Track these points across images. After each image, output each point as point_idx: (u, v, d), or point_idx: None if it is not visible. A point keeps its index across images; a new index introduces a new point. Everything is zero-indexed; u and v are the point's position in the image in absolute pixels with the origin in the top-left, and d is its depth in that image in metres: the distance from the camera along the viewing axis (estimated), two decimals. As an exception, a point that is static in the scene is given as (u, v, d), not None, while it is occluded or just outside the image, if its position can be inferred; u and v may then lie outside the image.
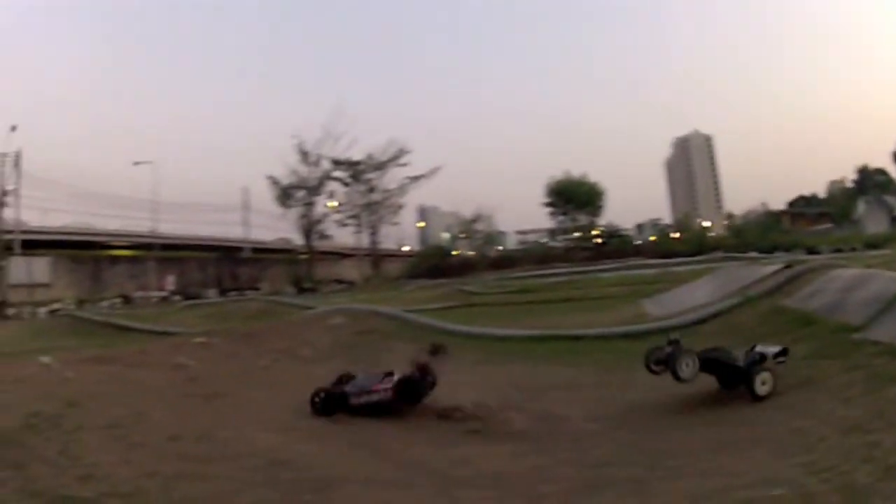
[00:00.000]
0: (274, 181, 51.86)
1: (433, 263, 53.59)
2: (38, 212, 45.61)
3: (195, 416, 8.49)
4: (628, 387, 9.28)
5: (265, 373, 11.56)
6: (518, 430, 7.91)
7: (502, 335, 13.50)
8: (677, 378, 8.15)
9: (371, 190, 55.17)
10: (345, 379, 9.59)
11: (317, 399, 9.15)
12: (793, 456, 5.37)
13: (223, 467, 6.43)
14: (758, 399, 7.79)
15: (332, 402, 9.03)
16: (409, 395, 8.96)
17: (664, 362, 8.42)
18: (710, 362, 8.43)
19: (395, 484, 6.21)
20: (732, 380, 8.36)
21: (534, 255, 58.56)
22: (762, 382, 7.99)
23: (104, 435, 7.02)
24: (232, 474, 6.21)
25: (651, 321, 14.68)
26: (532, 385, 9.93)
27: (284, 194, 51.79)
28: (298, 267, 52.29)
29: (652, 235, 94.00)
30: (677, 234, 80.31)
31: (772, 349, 8.60)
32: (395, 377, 9.10)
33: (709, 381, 8.44)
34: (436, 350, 10.28)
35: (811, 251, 41.94)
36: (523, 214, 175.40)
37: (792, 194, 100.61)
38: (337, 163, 53.04)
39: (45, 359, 10.49)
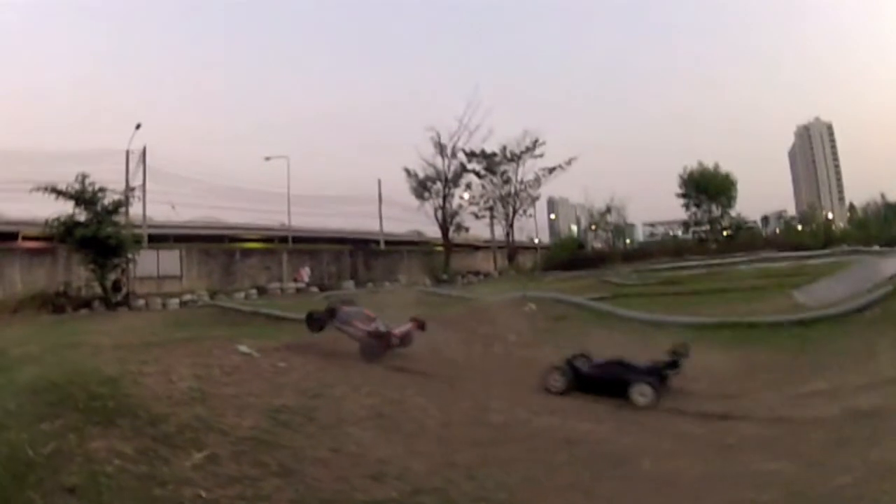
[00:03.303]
0: (411, 173, 52.87)
1: (568, 255, 53.74)
2: (165, 206, 47.79)
3: (451, 400, 8.64)
4: (825, 369, 10.23)
5: (489, 358, 12.06)
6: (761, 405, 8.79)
7: (683, 322, 14.37)
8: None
9: (506, 182, 55.31)
10: (339, 304, 12.16)
11: (314, 316, 11.89)
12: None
13: (518, 450, 6.39)
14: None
15: (322, 321, 11.58)
16: (371, 346, 10.98)
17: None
18: (588, 377, 9.76)
19: (679, 454, 6.49)
20: (616, 392, 9.26)
21: (667, 248, 58.55)
22: (640, 394, 9.03)
23: (372, 426, 6.84)
24: (531, 456, 6.18)
25: (810, 310, 15.18)
26: (738, 368, 10.87)
27: (421, 186, 52.53)
28: (433, 258, 53.15)
29: (777, 227, 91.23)
30: (800, 227, 77.98)
31: (669, 360, 9.82)
32: (373, 326, 11.29)
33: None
34: (420, 324, 12.17)
35: (927, 244, 40.80)
36: (649, 206, 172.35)
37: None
38: (472, 155, 53.28)
39: (244, 348, 10.21)
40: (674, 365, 9.80)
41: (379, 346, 11.13)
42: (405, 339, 11.78)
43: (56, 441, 4.83)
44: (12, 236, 40.51)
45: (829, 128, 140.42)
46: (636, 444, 6.77)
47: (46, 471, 4.41)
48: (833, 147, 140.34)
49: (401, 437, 6.60)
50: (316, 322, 11.96)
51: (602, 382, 9.59)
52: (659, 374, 9.54)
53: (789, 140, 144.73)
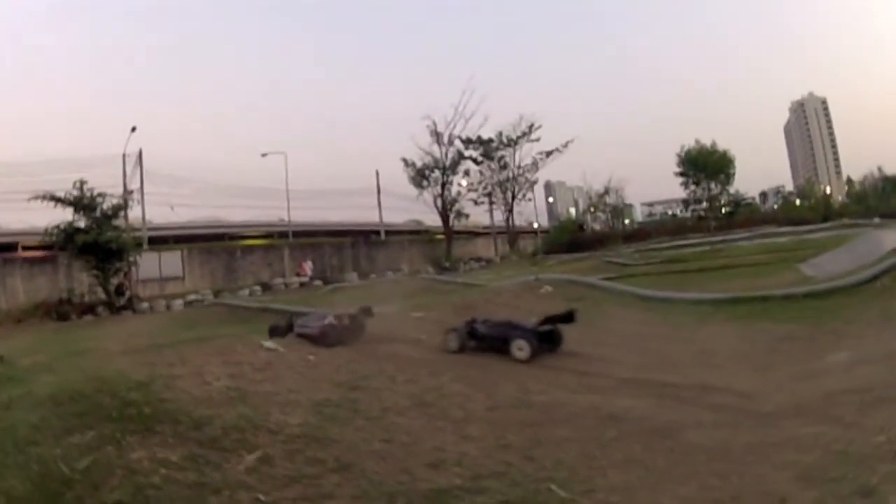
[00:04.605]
0: (408, 163, 52.58)
1: (568, 238, 53.99)
2: (164, 208, 47.31)
3: (490, 384, 8.54)
4: (844, 338, 10.22)
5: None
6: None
7: (697, 299, 14.50)
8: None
9: (503, 167, 55.29)
10: (296, 315, 12.86)
11: (278, 326, 12.22)
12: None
13: (569, 429, 6.38)
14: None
15: (284, 329, 11.84)
16: (327, 334, 11.24)
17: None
18: (479, 336, 10.99)
19: (721, 424, 6.49)
20: (501, 348, 10.48)
21: (667, 227, 58.93)
22: (518, 349, 10.27)
23: (419, 415, 6.78)
24: (581, 434, 6.19)
25: (819, 283, 15.40)
26: (759, 340, 10.88)
27: (420, 175, 52.24)
28: (434, 247, 52.97)
29: (776, 203, 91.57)
30: (798, 202, 78.36)
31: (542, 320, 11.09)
32: (326, 321, 11.70)
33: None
34: (367, 311, 12.68)
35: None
36: (647, 186, 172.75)
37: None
38: (468, 142, 53.15)
39: (269, 343, 10.10)
40: (546, 323, 11.05)
41: (333, 331, 11.48)
42: (356, 325, 12.05)
43: (92, 454, 4.56)
44: (11, 247, 40.27)
45: (824, 103, 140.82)
46: (678, 418, 6.77)
47: (85, 487, 4.15)
48: (828, 121, 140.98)
49: (449, 424, 6.51)
50: (276, 332, 12.36)
51: (490, 340, 10.84)
52: (535, 333, 10.65)
53: (784, 116, 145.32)
